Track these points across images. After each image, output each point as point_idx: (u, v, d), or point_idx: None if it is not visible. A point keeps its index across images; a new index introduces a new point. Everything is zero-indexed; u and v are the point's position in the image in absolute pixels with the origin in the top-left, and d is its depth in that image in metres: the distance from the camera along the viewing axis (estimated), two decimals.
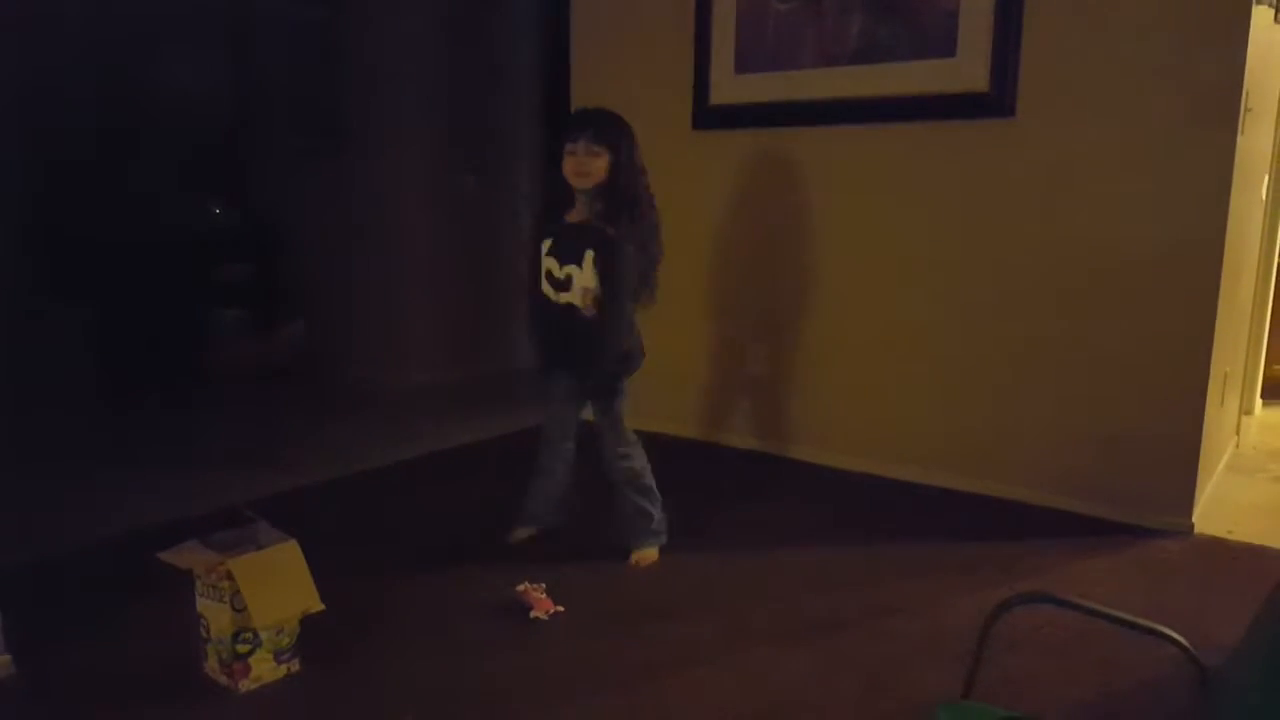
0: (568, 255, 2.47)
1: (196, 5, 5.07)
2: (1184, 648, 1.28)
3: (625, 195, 2.45)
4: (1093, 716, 1.91)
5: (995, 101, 3.01)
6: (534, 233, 2.58)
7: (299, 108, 5.11)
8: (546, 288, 2.51)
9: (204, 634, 1.98)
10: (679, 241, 3.80)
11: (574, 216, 2.51)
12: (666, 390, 3.87)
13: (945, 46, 3.09)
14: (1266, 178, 3.61)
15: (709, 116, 3.64)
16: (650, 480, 2.66)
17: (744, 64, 3.53)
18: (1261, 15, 2.79)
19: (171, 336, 4.89)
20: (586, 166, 2.43)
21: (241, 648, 1.94)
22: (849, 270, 3.41)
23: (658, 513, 2.66)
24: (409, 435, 3.91)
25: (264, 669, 1.97)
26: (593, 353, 2.50)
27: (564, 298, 2.48)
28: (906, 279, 3.29)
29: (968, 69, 3.05)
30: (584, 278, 2.45)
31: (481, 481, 3.41)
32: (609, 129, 2.47)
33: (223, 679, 1.96)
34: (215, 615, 1.94)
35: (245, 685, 1.95)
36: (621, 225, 2.44)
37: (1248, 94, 2.74)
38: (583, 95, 4.01)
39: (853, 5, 3.27)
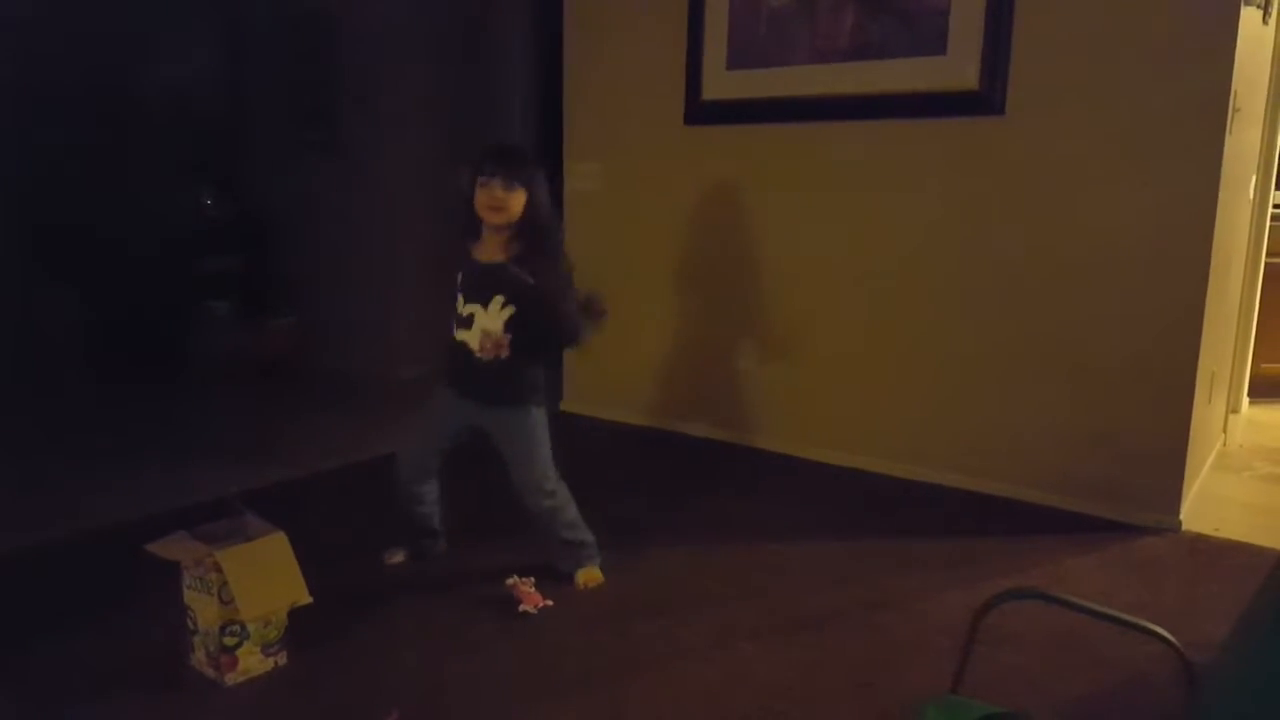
0: (474, 294, 2.35)
1: None
2: (1171, 644, 1.29)
3: (543, 235, 2.35)
4: (1081, 712, 1.92)
5: (985, 99, 3.02)
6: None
7: (294, 102, 5.09)
8: (452, 323, 2.40)
9: (191, 626, 1.97)
10: (669, 235, 3.82)
11: (483, 254, 2.38)
12: (656, 384, 3.88)
13: (936, 44, 3.10)
14: (1254, 178, 3.63)
15: (701, 112, 3.64)
16: (575, 511, 2.48)
17: (736, 60, 3.53)
18: (1250, 16, 2.80)
19: (163, 329, 4.88)
20: (504, 202, 2.29)
21: (229, 640, 1.93)
22: (838, 266, 3.42)
23: (589, 536, 2.50)
24: (400, 428, 3.89)
25: (251, 662, 1.97)
26: (493, 391, 2.38)
27: (460, 335, 2.36)
28: (895, 275, 3.30)
29: (958, 67, 3.05)
30: (486, 319, 2.32)
31: (470, 475, 3.39)
32: (526, 166, 2.35)
33: (209, 671, 1.95)
34: (202, 607, 1.93)
35: (232, 678, 1.94)
36: (541, 270, 2.33)
37: (1236, 94, 2.75)
38: (576, 89, 4.01)
39: (845, 3, 3.27)
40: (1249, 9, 2.75)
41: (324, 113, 4.92)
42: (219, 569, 1.89)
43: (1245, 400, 4.16)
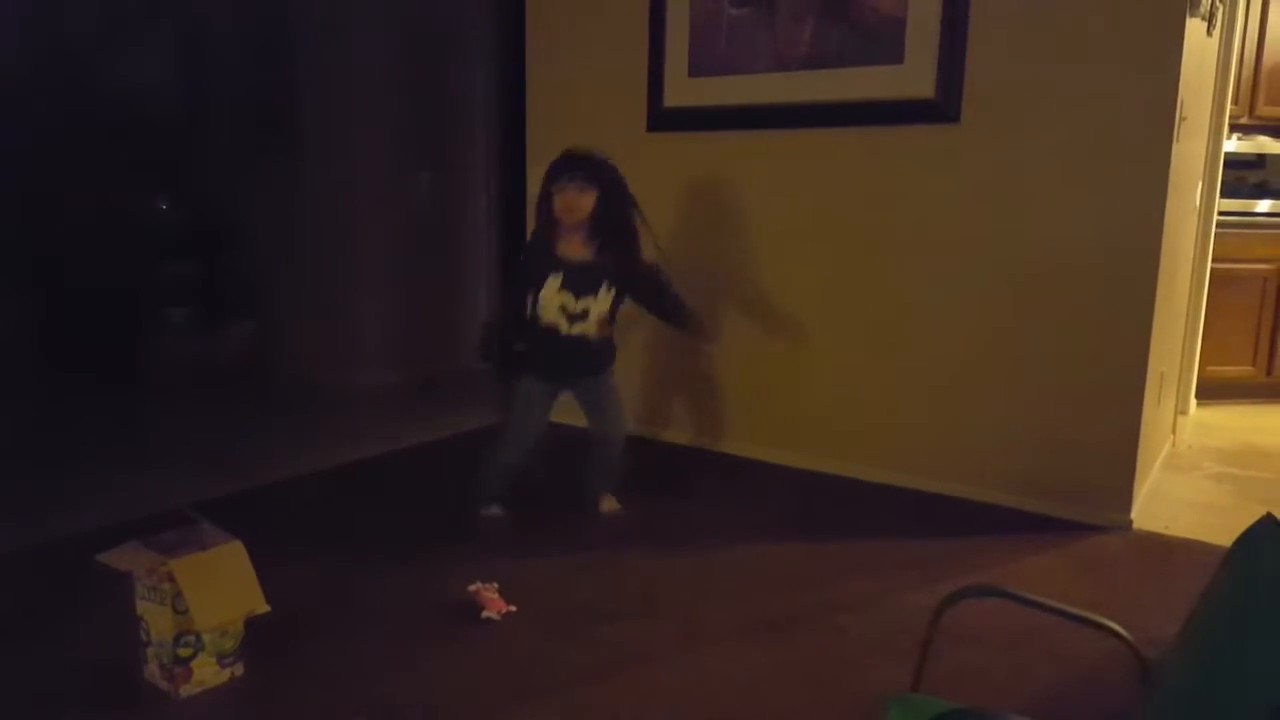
0: (583, 289, 2.70)
1: (149, 1, 4.96)
2: (1125, 640, 1.31)
3: (618, 226, 2.72)
4: (1040, 708, 1.94)
5: (941, 108, 3.06)
6: (527, 268, 2.77)
7: (251, 105, 5.03)
8: (559, 320, 2.71)
9: (144, 637, 1.94)
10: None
11: (569, 251, 2.72)
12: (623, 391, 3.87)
13: (893, 54, 3.14)
14: (1200, 185, 3.72)
15: (663, 119, 3.65)
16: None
17: (697, 68, 3.54)
18: (1195, 28, 2.88)
19: (120, 335, 4.78)
20: (578, 202, 2.67)
21: (183, 651, 1.89)
22: (797, 272, 3.44)
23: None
24: (359, 436, 3.86)
25: (207, 673, 1.93)
26: (597, 364, 2.85)
27: (577, 329, 2.72)
28: (852, 280, 3.33)
29: (915, 76, 3.10)
30: (599, 305, 2.73)
31: (432, 482, 3.37)
32: (595, 167, 2.71)
33: (163, 684, 1.92)
34: (156, 618, 1.90)
35: (186, 690, 1.90)
36: (624, 250, 2.74)
37: (1182, 103, 2.82)
38: (538, 95, 4.00)
39: (804, 12, 3.30)
40: (1194, 20, 2.82)
41: (284, 116, 4.87)
42: (172, 579, 1.85)
43: (1193, 402, 4.26)
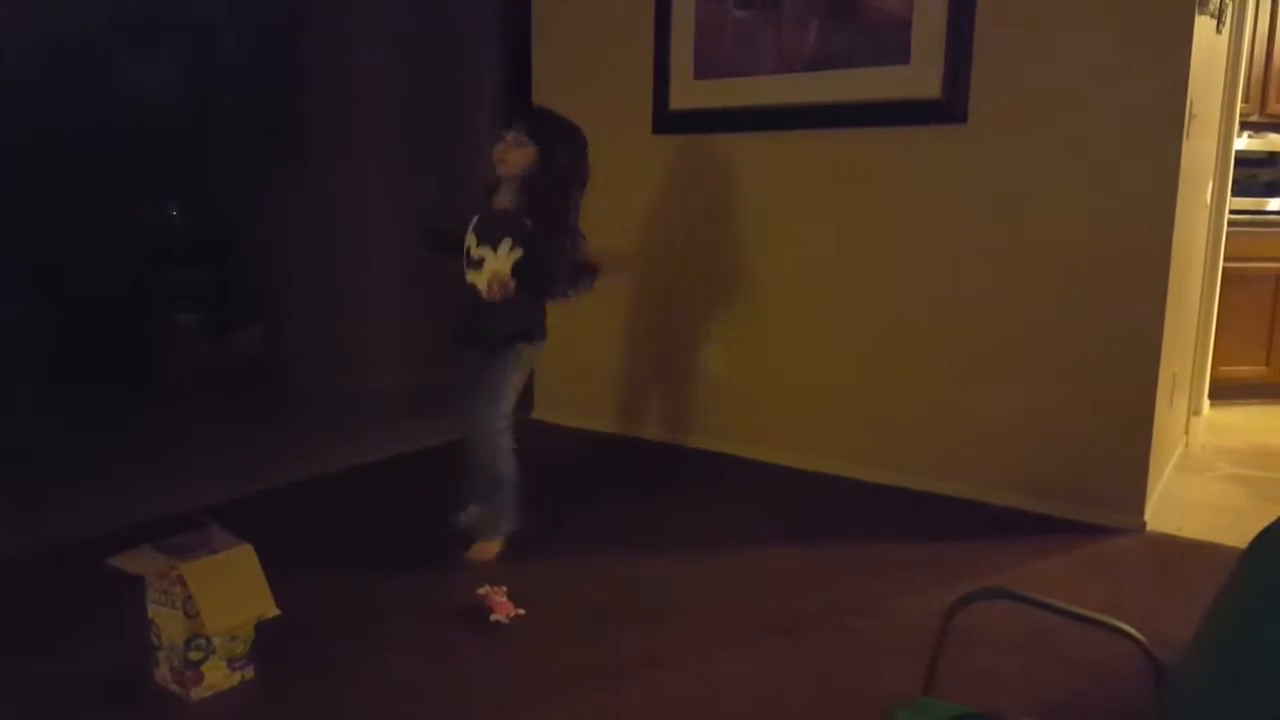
0: (486, 237, 2.53)
1: (157, 7, 4.98)
2: (1140, 643, 1.30)
3: (545, 193, 2.51)
4: (1051, 712, 1.93)
5: (948, 108, 3.05)
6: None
7: (259, 110, 5.04)
8: (465, 263, 2.57)
9: (155, 641, 1.94)
10: (637, 244, 3.82)
11: (499, 202, 2.58)
12: (624, 391, 3.88)
13: (899, 54, 3.13)
14: (1210, 182, 3.70)
15: (669, 121, 3.65)
16: (506, 472, 2.59)
17: (703, 69, 3.54)
18: (1204, 25, 2.86)
19: (129, 339, 4.80)
20: (506, 154, 2.53)
21: (194, 655, 1.89)
22: (804, 273, 3.44)
23: (509, 502, 2.61)
24: (368, 439, 3.87)
25: (217, 677, 1.93)
26: (491, 329, 2.55)
27: (470, 276, 2.54)
28: (861, 281, 3.32)
29: (921, 76, 3.09)
30: (496, 261, 2.49)
31: (441, 485, 3.37)
32: (544, 127, 2.55)
33: (174, 687, 1.92)
34: (167, 621, 1.90)
35: (197, 693, 1.90)
36: (539, 218, 2.50)
37: (1192, 101, 2.80)
38: (544, 98, 4.00)
39: (809, 13, 3.30)
40: (1203, 18, 2.81)
41: (291, 122, 4.88)
42: (183, 582, 1.86)
43: (1206, 402, 4.24)
